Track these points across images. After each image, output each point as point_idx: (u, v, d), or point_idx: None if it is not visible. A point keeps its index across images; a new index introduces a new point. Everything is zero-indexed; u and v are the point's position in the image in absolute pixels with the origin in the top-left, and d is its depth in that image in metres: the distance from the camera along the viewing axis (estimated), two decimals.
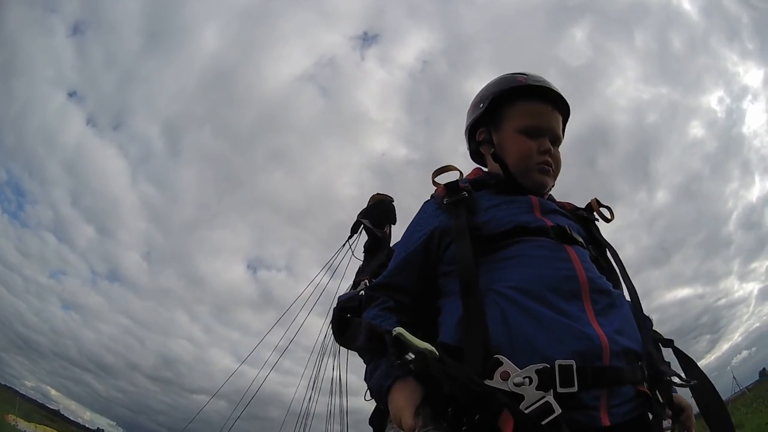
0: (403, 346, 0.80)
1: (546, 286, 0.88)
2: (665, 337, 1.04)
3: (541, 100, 1.14)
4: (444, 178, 1.13)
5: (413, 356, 0.79)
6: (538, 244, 0.96)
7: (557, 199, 1.23)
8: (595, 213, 1.17)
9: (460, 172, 1.15)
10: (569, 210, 1.17)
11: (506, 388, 0.76)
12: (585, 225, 1.14)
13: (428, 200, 1.15)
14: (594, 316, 0.87)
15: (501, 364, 0.79)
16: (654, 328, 1.06)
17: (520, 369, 0.78)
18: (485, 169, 1.24)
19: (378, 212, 1.43)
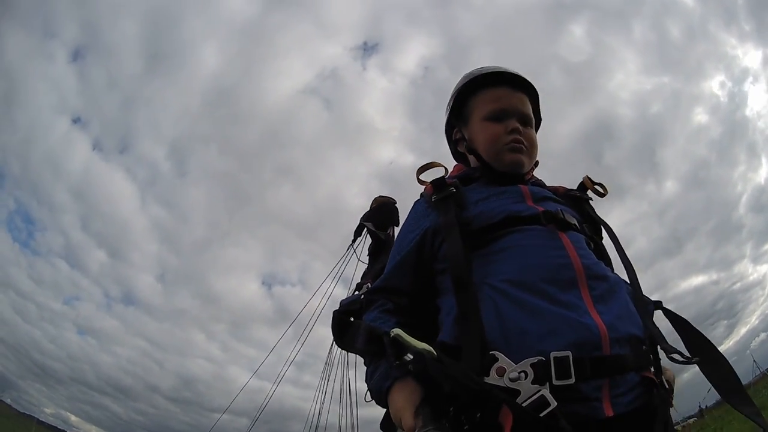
0: (401, 347, 0.80)
1: (540, 277, 0.87)
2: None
3: (501, 85, 1.16)
4: (430, 175, 1.12)
5: (411, 356, 0.78)
6: (530, 234, 0.95)
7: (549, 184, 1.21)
8: (589, 191, 1.16)
9: (445, 168, 1.14)
10: (562, 193, 1.16)
11: (502, 384, 0.75)
12: (579, 205, 1.12)
13: (418, 200, 1.15)
14: (592, 303, 0.85)
15: (497, 360, 0.78)
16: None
17: (516, 364, 0.77)
18: (471, 166, 1.24)
19: (381, 215, 1.43)
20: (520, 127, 1.13)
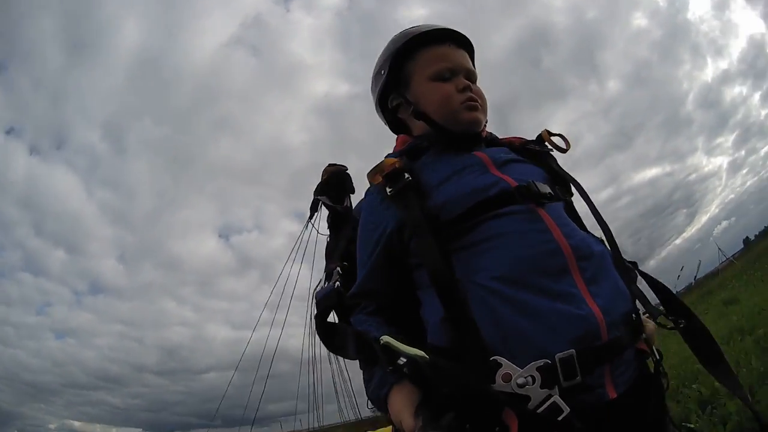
0: (393, 352, 0.78)
1: (530, 269, 0.82)
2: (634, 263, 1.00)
3: (442, 43, 1.10)
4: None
5: (405, 360, 0.77)
6: (509, 220, 0.89)
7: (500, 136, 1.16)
8: (547, 144, 1.10)
9: (396, 159, 1.02)
10: (519, 146, 1.10)
11: (510, 390, 0.74)
12: (540, 159, 1.07)
13: (369, 190, 1.07)
14: (586, 288, 0.83)
15: (500, 365, 0.76)
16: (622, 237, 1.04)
17: (521, 369, 0.75)
18: (414, 135, 1.15)
19: (333, 186, 1.35)
20: (471, 84, 1.07)
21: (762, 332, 4.07)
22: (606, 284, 0.86)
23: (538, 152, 1.08)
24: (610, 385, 0.79)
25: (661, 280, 0.97)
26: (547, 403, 0.73)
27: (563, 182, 1.04)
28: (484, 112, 1.09)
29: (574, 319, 0.78)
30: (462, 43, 1.13)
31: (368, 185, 1.06)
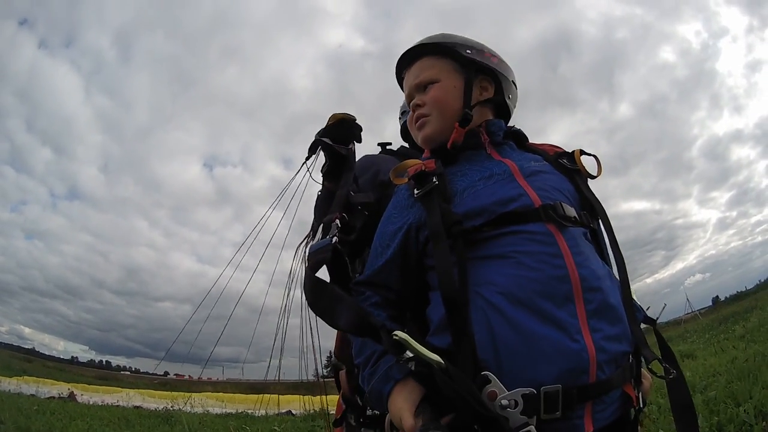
0: (401, 347, 0.78)
1: (536, 291, 0.83)
2: (649, 316, 1.04)
3: (407, 70, 1.13)
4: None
5: (411, 355, 0.77)
6: (524, 238, 0.88)
7: (534, 142, 1.14)
8: (578, 165, 1.06)
9: (420, 162, 1.01)
10: (552, 157, 1.07)
11: (492, 408, 0.76)
12: (570, 175, 1.04)
13: (401, 186, 1.05)
14: (586, 319, 0.83)
15: (489, 381, 0.78)
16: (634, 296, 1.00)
17: (508, 390, 0.77)
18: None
19: (341, 129, 1.22)
20: (419, 100, 1.08)
21: (713, 394, 4.12)
22: (607, 320, 0.86)
23: (568, 168, 1.05)
24: (588, 420, 0.81)
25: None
26: (523, 431, 0.75)
27: (590, 206, 1.01)
28: (437, 118, 1.06)
29: (566, 351, 0.79)
30: (415, 57, 1.11)
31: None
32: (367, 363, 0.90)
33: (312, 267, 0.94)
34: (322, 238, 1.01)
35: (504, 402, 0.76)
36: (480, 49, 1.09)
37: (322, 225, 1.05)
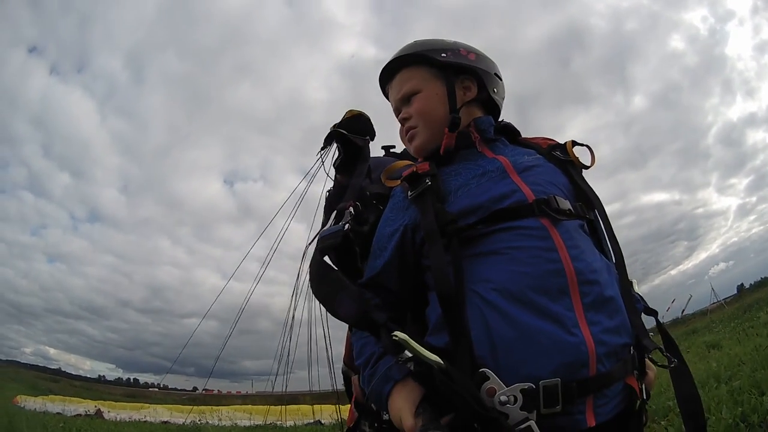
0: (400, 347, 0.79)
1: (530, 285, 0.83)
2: (650, 307, 1.03)
3: (388, 83, 1.15)
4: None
5: (410, 355, 0.79)
6: (521, 233, 0.88)
7: (527, 136, 1.13)
8: (571, 157, 1.06)
9: (412, 162, 1.04)
10: (545, 150, 1.07)
11: (491, 405, 0.76)
12: (564, 167, 1.04)
13: (395, 190, 1.07)
14: (583, 313, 0.83)
15: (487, 378, 0.78)
16: (630, 268, 1.00)
17: (506, 386, 0.77)
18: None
19: (358, 123, 1.26)
20: (405, 113, 1.09)
21: (738, 384, 4.06)
22: (605, 313, 0.85)
23: (562, 160, 1.05)
24: (590, 414, 0.81)
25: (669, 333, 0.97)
26: (523, 426, 0.75)
27: (585, 198, 1.00)
28: (425, 128, 1.07)
29: (563, 345, 0.79)
30: (394, 71, 1.12)
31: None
32: (367, 364, 0.91)
33: (321, 250, 0.94)
34: (335, 224, 1.02)
35: (503, 398, 0.76)
36: (455, 49, 1.08)
37: (335, 212, 1.07)
